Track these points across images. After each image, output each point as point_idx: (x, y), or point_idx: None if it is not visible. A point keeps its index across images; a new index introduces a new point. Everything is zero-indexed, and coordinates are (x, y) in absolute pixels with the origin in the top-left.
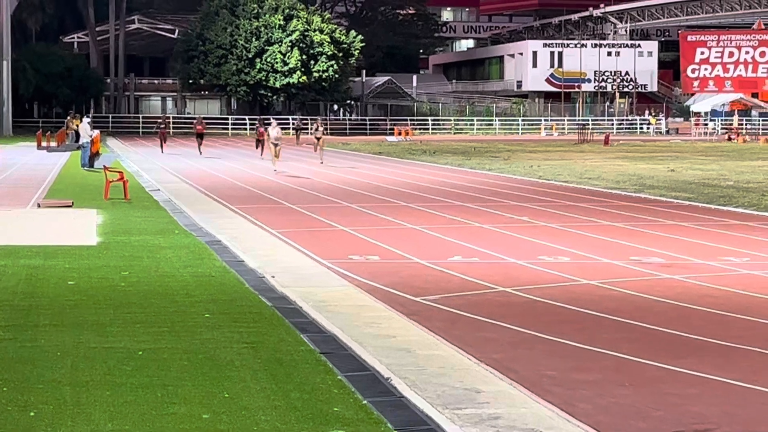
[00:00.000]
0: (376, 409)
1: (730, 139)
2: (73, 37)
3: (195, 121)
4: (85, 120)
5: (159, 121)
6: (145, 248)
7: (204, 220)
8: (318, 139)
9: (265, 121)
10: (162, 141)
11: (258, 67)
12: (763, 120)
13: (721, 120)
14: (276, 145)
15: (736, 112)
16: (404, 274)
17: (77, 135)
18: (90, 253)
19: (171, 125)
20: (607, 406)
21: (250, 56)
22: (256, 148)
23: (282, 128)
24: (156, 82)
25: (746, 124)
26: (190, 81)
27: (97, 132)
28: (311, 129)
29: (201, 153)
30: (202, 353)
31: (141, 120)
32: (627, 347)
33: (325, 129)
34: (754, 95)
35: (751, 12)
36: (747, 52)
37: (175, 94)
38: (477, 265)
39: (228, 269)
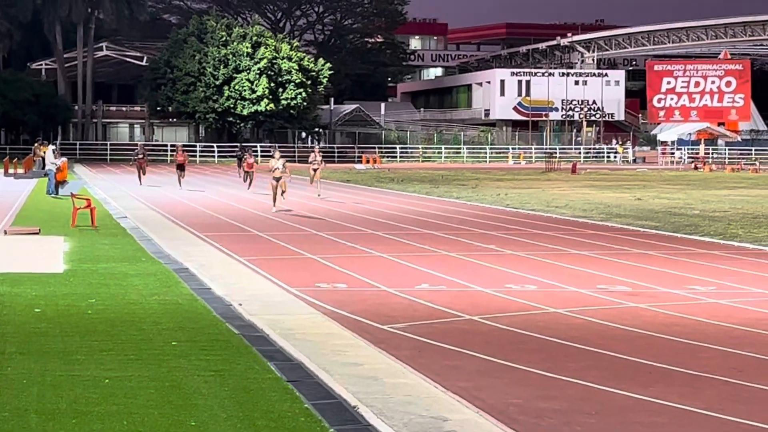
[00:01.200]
0: None
1: (696, 168)
2: (41, 64)
3: (175, 151)
4: (50, 147)
5: (135, 149)
6: (112, 276)
7: (171, 248)
8: (315, 170)
9: (252, 150)
10: (140, 172)
11: (226, 94)
12: (729, 149)
13: (688, 149)
14: (278, 179)
15: (702, 141)
16: (371, 302)
17: (44, 162)
18: (57, 280)
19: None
20: None
21: (218, 84)
22: (244, 181)
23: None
24: (124, 109)
25: (712, 153)
26: (158, 108)
27: (64, 159)
28: (310, 158)
29: (181, 186)
30: (168, 381)
31: (109, 147)
32: (593, 376)
33: (323, 159)
34: (720, 124)
35: (717, 42)
36: (713, 82)
37: (143, 121)
38: (444, 293)
39: (195, 297)
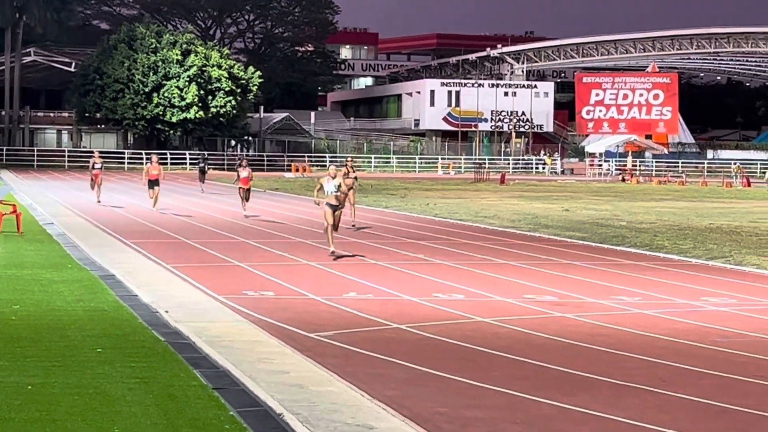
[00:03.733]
0: None
1: (624, 180)
2: None
3: (150, 164)
4: None
5: (92, 159)
6: (37, 282)
7: (98, 254)
8: (349, 189)
9: (243, 160)
10: (96, 186)
11: (155, 101)
12: (656, 161)
13: (616, 161)
14: (335, 208)
15: (630, 153)
16: (299, 309)
17: None
18: None
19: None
20: None
21: (147, 90)
22: (245, 200)
23: (162, 163)
24: (52, 115)
25: (640, 166)
26: (87, 114)
27: None
28: (342, 172)
29: (155, 208)
30: (92, 388)
31: (36, 153)
32: (519, 385)
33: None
34: (648, 137)
35: (645, 55)
36: (641, 95)
37: (71, 127)
38: (371, 302)
39: (121, 304)
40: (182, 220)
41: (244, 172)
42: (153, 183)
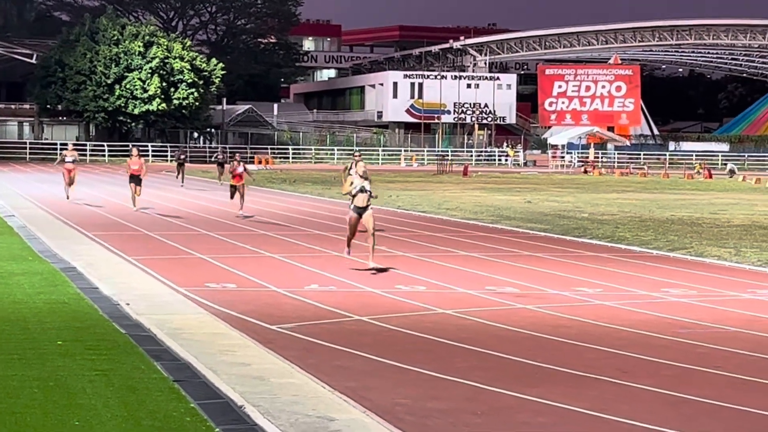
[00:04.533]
0: None
1: (586, 171)
2: None
3: (129, 158)
4: None
5: (64, 152)
6: None
7: (59, 247)
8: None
9: (236, 156)
10: (68, 181)
11: (117, 93)
12: (618, 153)
13: (578, 153)
14: (362, 212)
15: (592, 145)
16: (261, 302)
17: None
18: None
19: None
20: None
21: (109, 82)
22: (231, 198)
23: (143, 156)
24: (13, 107)
25: (602, 158)
26: (48, 106)
27: None
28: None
29: (135, 207)
30: (53, 381)
31: None
32: (480, 376)
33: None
34: (610, 129)
35: (607, 47)
36: (603, 87)
37: (33, 119)
38: (334, 294)
39: (82, 296)
40: (143, 212)
41: (239, 168)
42: (134, 179)
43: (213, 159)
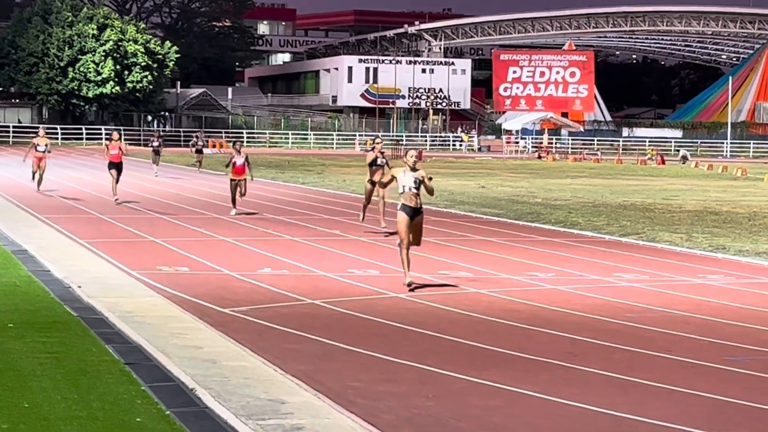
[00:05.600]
0: (179, 419)
1: (540, 157)
2: None
3: (108, 142)
4: None
5: (35, 138)
6: None
7: (11, 229)
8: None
9: (236, 144)
10: (38, 174)
11: (70, 76)
12: (572, 139)
13: (532, 138)
14: (415, 213)
15: (546, 131)
16: (213, 285)
17: None
18: None
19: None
20: (410, 417)
21: (62, 65)
22: (232, 198)
23: (92, 140)
24: None
25: (556, 143)
26: (0, 89)
27: None
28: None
29: (116, 194)
30: (3, 363)
31: None
32: (432, 359)
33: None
34: (564, 115)
35: (562, 33)
36: (558, 72)
37: None
38: (286, 278)
39: (33, 279)
40: (96, 195)
41: (239, 159)
42: (113, 166)
43: (191, 145)
